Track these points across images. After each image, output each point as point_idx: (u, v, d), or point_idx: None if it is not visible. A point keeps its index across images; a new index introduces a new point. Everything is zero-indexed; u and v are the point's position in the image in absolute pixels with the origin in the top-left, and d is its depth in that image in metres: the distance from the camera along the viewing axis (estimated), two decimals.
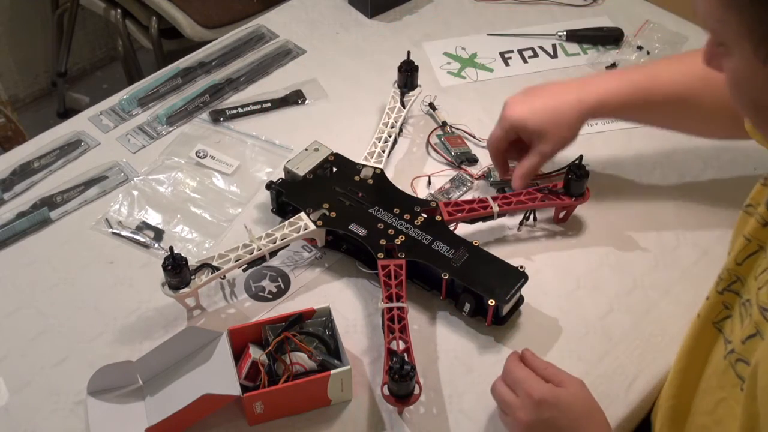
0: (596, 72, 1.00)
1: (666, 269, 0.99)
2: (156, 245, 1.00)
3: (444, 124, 1.15)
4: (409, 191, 1.04)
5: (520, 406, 0.77)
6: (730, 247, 0.79)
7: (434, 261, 0.92)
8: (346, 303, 0.95)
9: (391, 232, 0.95)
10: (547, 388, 0.77)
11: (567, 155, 1.03)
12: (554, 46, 1.31)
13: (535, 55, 1.30)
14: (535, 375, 0.79)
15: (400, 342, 0.84)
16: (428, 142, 1.13)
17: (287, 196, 1.00)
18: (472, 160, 1.10)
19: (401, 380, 0.79)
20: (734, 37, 0.60)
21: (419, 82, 1.16)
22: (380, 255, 0.92)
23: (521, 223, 1.02)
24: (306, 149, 1.04)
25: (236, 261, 0.91)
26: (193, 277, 0.90)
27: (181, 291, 0.89)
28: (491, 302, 0.88)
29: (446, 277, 0.90)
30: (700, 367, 0.82)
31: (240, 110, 1.18)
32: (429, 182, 1.08)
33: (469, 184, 1.07)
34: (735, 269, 0.75)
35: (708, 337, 0.80)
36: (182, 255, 0.88)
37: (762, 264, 0.72)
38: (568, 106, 0.96)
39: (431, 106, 1.18)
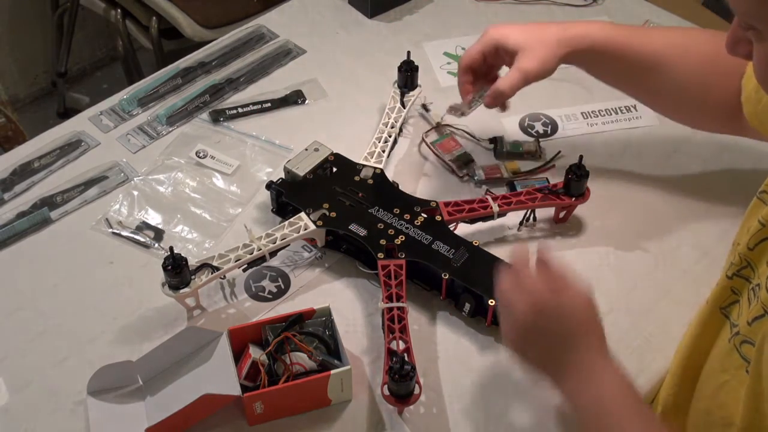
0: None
1: (666, 269, 0.99)
2: (156, 245, 1.00)
3: (438, 125, 1.15)
4: (409, 191, 1.04)
5: (520, 310, 0.73)
6: (737, 235, 0.79)
7: (434, 261, 0.92)
8: (346, 303, 0.95)
9: (391, 232, 0.95)
10: (547, 295, 0.73)
11: (568, 158, 1.03)
12: None
13: None
14: (539, 280, 0.74)
15: (400, 342, 0.84)
16: (423, 141, 1.13)
17: (287, 196, 1.00)
18: (468, 161, 1.10)
19: (401, 380, 0.79)
20: None
21: (419, 82, 1.16)
22: (380, 255, 0.92)
23: (521, 223, 1.02)
24: (306, 149, 1.04)
25: (236, 261, 0.91)
26: (193, 277, 0.90)
27: (181, 291, 0.89)
28: (491, 302, 0.88)
29: (446, 277, 0.90)
30: (705, 354, 0.82)
31: (240, 110, 1.18)
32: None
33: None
34: (747, 254, 0.75)
35: (714, 324, 0.80)
36: (182, 255, 0.88)
37: None
38: (550, 31, 0.95)
39: (424, 107, 1.18)
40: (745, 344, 0.73)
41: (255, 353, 0.83)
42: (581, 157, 0.99)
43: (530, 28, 0.96)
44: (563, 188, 1.00)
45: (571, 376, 0.71)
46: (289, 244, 0.95)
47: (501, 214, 0.99)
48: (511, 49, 0.95)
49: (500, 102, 0.97)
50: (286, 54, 1.29)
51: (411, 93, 1.15)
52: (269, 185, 1.01)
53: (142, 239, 1.01)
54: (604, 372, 0.71)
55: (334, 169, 1.03)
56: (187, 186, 1.08)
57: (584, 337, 0.72)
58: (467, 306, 0.91)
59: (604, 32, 0.96)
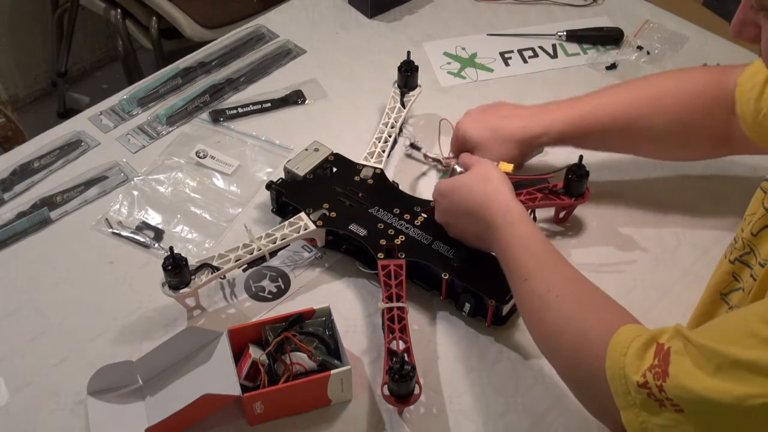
0: (554, 102, 1.03)
1: (666, 269, 0.99)
2: (156, 245, 1.00)
3: (438, 161, 1.09)
4: (409, 191, 1.04)
5: (436, 200, 0.95)
6: (740, 225, 0.79)
7: (434, 261, 0.92)
8: (346, 303, 0.95)
9: (391, 232, 0.95)
10: (445, 181, 0.94)
11: (566, 156, 1.03)
12: (554, 46, 1.31)
13: (535, 55, 1.30)
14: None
15: (400, 342, 0.84)
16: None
17: (287, 196, 1.00)
18: None
19: (401, 380, 0.79)
20: None
21: (419, 82, 1.16)
22: (380, 255, 0.92)
23: None
24: (306, 149, 1.04)
25: (236, 261, 0.91)
26: (193, 277, 0.90)
27: (181, 291, 0.89)
28: (491, 302, 0.88)
29: (446, 277, 0.90)
30: None
31: (240, 110, 1.18)
32: None
33: None
34: (750, 239, 0.75)
35: (713, 308, 0.80)
36: (182, 255, 0.88)
37: None
38: (511, 130, 1.01)
39: (413, 146, 1.12)
40: None
41: (255, 353, 0.83)
42: (581, 157, 0.99)
43: (491, 127, 1.02)
44: (563, 188, 1.00)
45: (495, 234, 0.86)
46: (289, 244, 0.95)
47: None
48: (473, 148, 1.03)
49: None
50: (286, 54, 1.29)
51: (411, 93, 1.15)
52: (269, 185, 1.01)
53: (142, 239, 1.01)
54: (521, 225, 0.84)
55: (334, 169, 1.03)
56: (187, 186, 1.08)
57: (494, 196, 0.88)
58: (467, 306, 0.91)
59: (569, 119, 1.00)
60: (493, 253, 0.89)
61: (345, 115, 1.19)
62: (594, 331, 0.71)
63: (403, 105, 1.13)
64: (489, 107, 1.06)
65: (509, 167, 1.04)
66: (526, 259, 0.82)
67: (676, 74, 1.02)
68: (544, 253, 0.82)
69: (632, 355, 0.65)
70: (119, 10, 1.97)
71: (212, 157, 1.11)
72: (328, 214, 0.97)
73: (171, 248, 0.87)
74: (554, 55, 1.30)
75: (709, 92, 0.95)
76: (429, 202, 0.99)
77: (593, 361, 0.68)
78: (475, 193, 0.89)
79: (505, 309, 0.90)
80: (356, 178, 1.02)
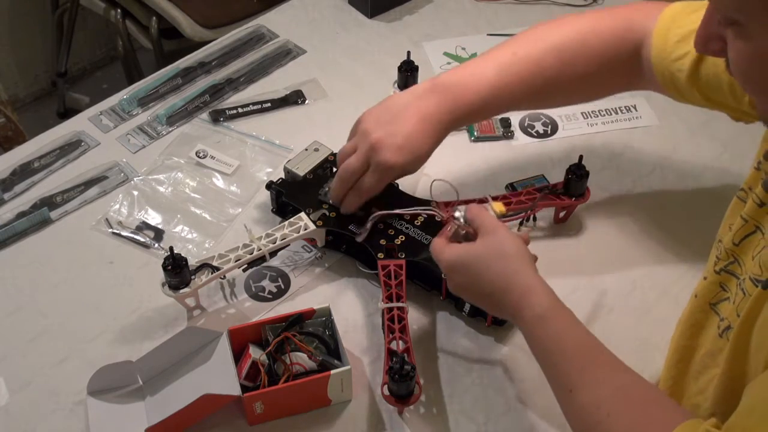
0: (453, 72, 0.96)
1: (666, 269, 0.99)
2: (156, 245, 1.00)
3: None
4: (409, 191, 1.04)
5: (446, 274, 0.85)
6: (720, 232, 0.79)
7: (434, 261, 0.92)
8: (346, 303, 0.95)
9: (391, 232, 0.95)
10: (453, 253, 0.82)
11: (568, 158, 1.03)
12: None
13: None
14: (447, 241, 0.84)
15: (400, 342, 0.84)
16: None
17: (287, 196, 1.00)
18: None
19: (401, 380, 0.79)
20: (759, 12, 0.58)
21: (419, 82, 1.15)
22: (380, 255, 0.92)
23: (521, 224, 1.02)
24: (306, 149, 1.04)
25: (236, 261, 0.91)
26: (193, 277, 0.90)
27: (181, 291, 0.89)
28: None
29: (446, 277, 0.90)
30: (695, 349, 0.82)
31: (240, 110, 1.19)
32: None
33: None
34: (733, 249, 0.75)
35: (703, 319, 0.80)
36: (182, 255, 0.88)
37: (759, 243, 0.72)
38: (433, 140, 0.92)
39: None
40: None
41: (255, 353, 0.83)
42: (581, 157, 0.99)
43: (414, 148, 0.90)
44: (563, 188, 1.00)
45: (524, 329, 0.78)
46: (289, 244, 0.95)
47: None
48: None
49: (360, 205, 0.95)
50: (286, 54, 1.29)
51: None
52: (269, 185, 1.01)
53: (142, 239, 1.01)
54: (553, 322, 0.76)
55: (334, 169, 1.03)
56: (187, 186, 1.08)
57: (513, 277, 0.78)
58: (467, 306, 0.91)
59: (481, 99, 0.92)
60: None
61: (345, 115, 1.18)
62: None
63: None
64: (391, 115, 0.92)
65: (502, 208, 0.93)
66: (567, 365, 0.74)
67: (581, 26, 0.95)
68: (586, 356, 0.75)
69: None
70: (119, 10, 1.97)
71: (212, 157, 1.11)
72: (328, 214, 0.97)
73: (171, 248, 0.88)
74: None
75: (618, 42, 0.91)
76: (429, 202, 0.98)
77: None
78: (492, 272, 0.79)
79: None
80: None
